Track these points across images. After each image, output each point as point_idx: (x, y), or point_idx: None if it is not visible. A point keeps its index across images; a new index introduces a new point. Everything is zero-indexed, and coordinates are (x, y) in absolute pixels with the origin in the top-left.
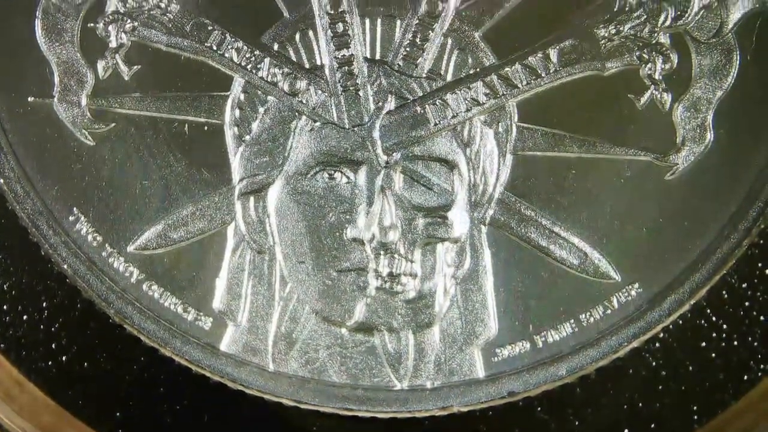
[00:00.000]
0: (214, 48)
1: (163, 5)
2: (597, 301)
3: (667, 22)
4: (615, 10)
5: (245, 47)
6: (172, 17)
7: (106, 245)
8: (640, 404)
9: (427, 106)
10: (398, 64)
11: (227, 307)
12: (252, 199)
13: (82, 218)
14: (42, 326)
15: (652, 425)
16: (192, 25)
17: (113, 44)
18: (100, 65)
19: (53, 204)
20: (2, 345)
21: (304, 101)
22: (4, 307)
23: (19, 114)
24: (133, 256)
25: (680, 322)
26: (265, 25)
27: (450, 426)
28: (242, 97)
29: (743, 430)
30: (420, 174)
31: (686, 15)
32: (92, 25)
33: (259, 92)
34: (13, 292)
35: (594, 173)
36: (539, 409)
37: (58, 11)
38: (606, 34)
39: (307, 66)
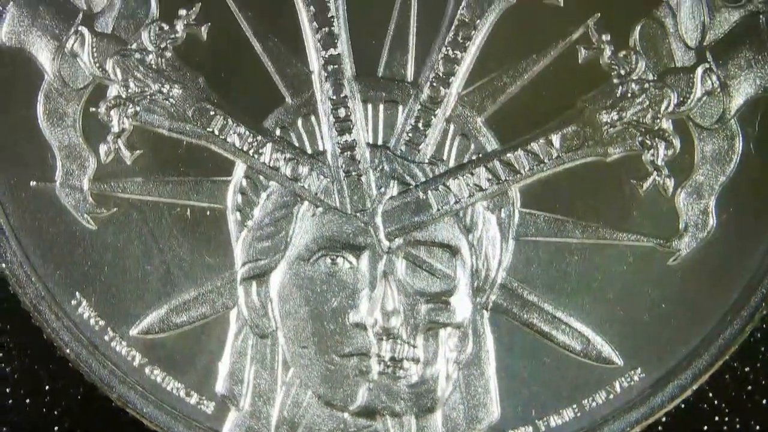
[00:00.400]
0: (216, 133)
1: (165, 90)
2: (599, 386)
3: (670, 108)
4: (618, 96)
5: (247, 132)
6: (174, 102)
7: (109, 329)
8: None
9: (429, 191)
10: (401, 149)
11: (230, 392)
12: (254, 283)
13: (84, 302)
14: (44, 410)
15: None
16: (194, 110)
17: (115, 129)
18: (102, 150)
19: (55, 288)
20: (4, 429)
21: (306, 186)
22: (6, 390)
23: (22, 198)
24: (135, 340)
25: (682, 405)
26: (267, 110)
27: None
28: (244, 182)
29: None
30: (422, 259)
31: (689, 101)
32: (94, 109)
33: (262, 177)
34: (16, 375)
35: (597, 259)
36: None
37: (59, 96)
38: (609, 120)
39: (309, 151)
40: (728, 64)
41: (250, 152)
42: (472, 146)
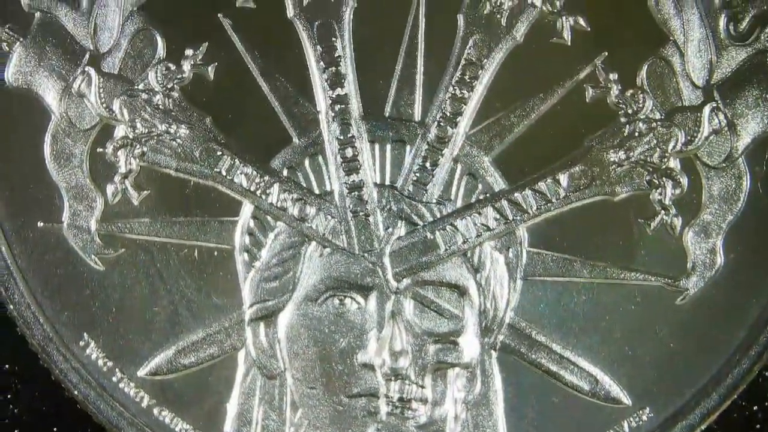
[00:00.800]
0: (224, 173)
1: (172, 130)
2: (608, 426)
3: (677, 147)
4: (625, 135)
5: (254, 172)
6: (181, 142)
7: (117, 370)
8: None
9: (437, 231)
10: (408, 189)
11: None
12: (262, 324)
13: (92, 344)
14: None
15: None
16: (201, 150)
17: (122, 169)
18: (110, 190)
19: (63, 329)
20: None
21: (313, 227)
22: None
23: (29, 239)
24: (143, 382)
25: None
26: (275, 150)
27: None
28: (252, 222)
29: None
30: (430, 300)
31: (696, 140)
32: (101, 150)
33: (269, 218)
34: (24, 417)
35: (604, 298)
36: None
37: (66, 136)
38: (616, 159)
39: (316, 191)
40: (736, 103)
41: (258, 192)
42: (480, 186)
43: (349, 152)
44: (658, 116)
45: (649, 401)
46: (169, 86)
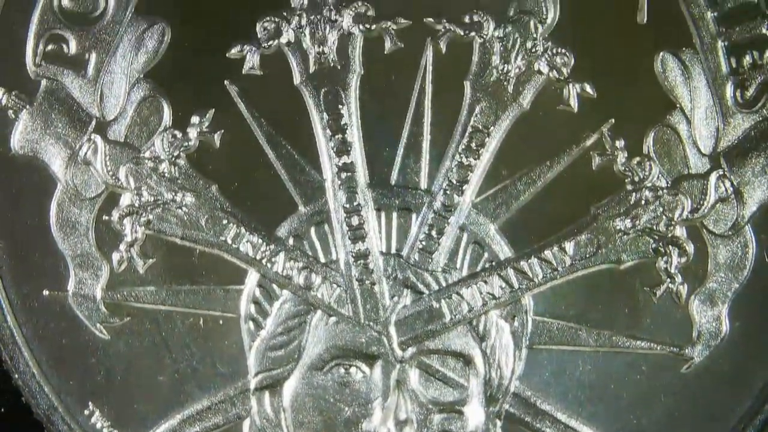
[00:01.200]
0: (229, 242)
1: (178, 199)
2: None
3: (684, 215)
4: (631, 203)
5: (260, 241)
6: (187, 210)
7: None
8: None
9: (442, 300)
10: (414, 257)
11: None
12: (267, 393)
13: (97, 412)
14: None
15: None
16: (207, 218)
17: (128, 238)
18: (115, 258)
19: (68, 398)
20: None
21: (319, 296)
22: None
23: (34, 307)
24: None
25: None
26: (280, 218)
27: None
28: (257, 291)
29: None
30: (435, 369)
31: (703, 208)
32: (107, 218)
33: (275, 286)
34: None
35: (610, 367)
36: None
37: (72, 204)
38: (622, 228)
39: (322, 260)
40: (742, 170)
41: (263, 261)
42: (486, 254)
43: (355, 221)
44: (664, 184)
45: None
46: (175, 154)
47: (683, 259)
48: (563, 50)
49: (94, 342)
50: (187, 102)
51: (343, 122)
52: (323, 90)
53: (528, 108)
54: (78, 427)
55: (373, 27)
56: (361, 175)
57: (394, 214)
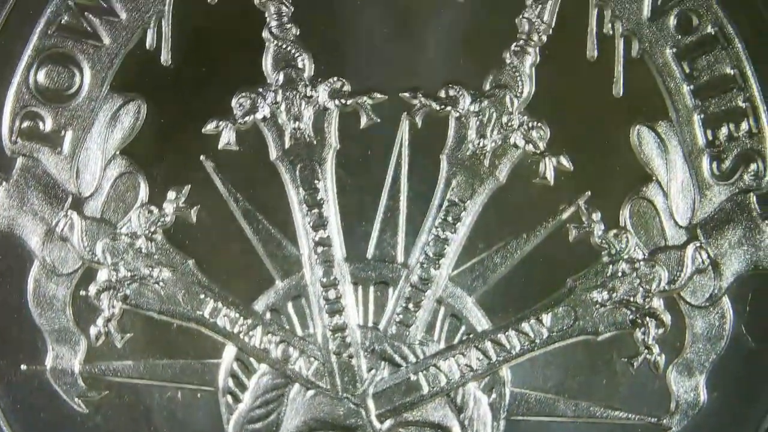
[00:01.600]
0: (207, 316)
1: (155, 274)
2: None
3: (661, 287)
4: (608, 275)
5: (237, 315)
6: (164, 285)
7: None
8: None
9: (420, 372)
10: (391, 330)
11: None
12: None
13: None
14: None
15: None
16: (184, 293)
17: (106, 313)
18: (93, 333)
19: None
20: None
21: (296, 369)
22: None
23: (12, 382)
24: None
25: None
26: (257, 292)
27: None
28: (235, 365)
29: None
30: None
31: (680, 279)
32: (84, 293)
33: (252, 360)
34: None
35: None
36: None
37: (49, 280)
38: (599, 300)
39: (299, 333)
40: (719, 242)
41: (241, 335)
42: (463, 326)
43: (332, 294)
44: (641, 256)
45: None
46: (151, 229)
47: (661, 331)
48: (539, 124)
49: (73, 416)
50: (163, 178)
51: (319, 197)
52: (299, 165)
53: (504, 181)
54: None
55: (349, 102)
56: (338, 249)
57: (371, 288)
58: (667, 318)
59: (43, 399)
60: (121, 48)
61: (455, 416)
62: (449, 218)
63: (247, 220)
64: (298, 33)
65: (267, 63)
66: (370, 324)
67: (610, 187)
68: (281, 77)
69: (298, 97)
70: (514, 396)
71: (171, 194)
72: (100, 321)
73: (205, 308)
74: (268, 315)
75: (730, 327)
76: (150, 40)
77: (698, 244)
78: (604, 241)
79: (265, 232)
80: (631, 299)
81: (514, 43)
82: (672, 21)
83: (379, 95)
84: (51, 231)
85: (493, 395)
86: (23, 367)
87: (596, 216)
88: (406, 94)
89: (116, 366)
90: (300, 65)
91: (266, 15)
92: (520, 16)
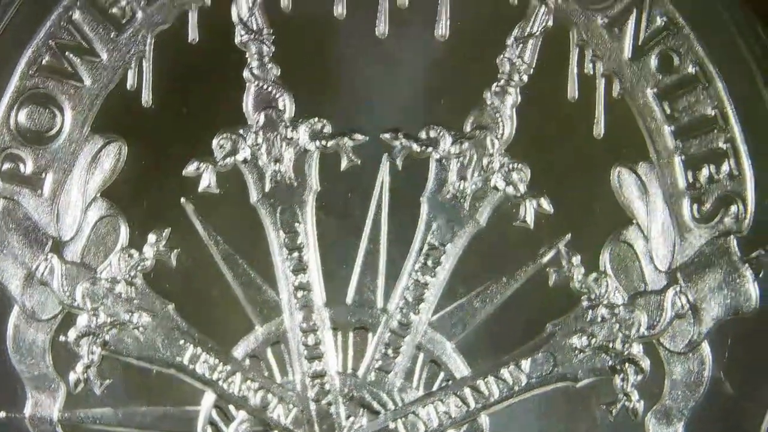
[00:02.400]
0: (186, 363)
1: (134, 319)
2: None
3: (640, 332)
4: (588, 320)
5: (217, 361)
6: (143, 330)
7: None
8: None
9: (399, 420)
10: (370, 377)
11: None
12: None
13: None
14: None
15: None
16: (163, 339)
17: (85, 359)
18: (72, 380)
19: None
20: None
21: (275, 416)
22: None
23: None
24: None
25: None
26: (237, 337)
27: None
28: (213, 412)
29: None
30: None
31: (659, 324)
32: (63, 338)
33: (231, 407)
34: None
35: None
36: None
37: (29, 326)
38: (579, 345)
39: (278, 380)
40: (699, 286)
41: (220, 382)
42: (442, 373)
43: (311, 340)
44: (620, 300)
45: None
46: (131, 274)
47: (639, 377)
48: (519, 165)
49: None
50: (143, 220)
51: (299, 241)
52: (279, 208)
53: (484, 225)
54: None
55: (330, 144)
56: (318, 294)
57: (351, 334)
58: (646, 364)
59: None
60: (102, 89)
61: None
62: (429, 262)
63: (228, 264)
64: (279, 73)
65: (248, 103)
66: (350, 370)
67: (591, 230)
68: (262, 118)
69: (278, 138)
70: None
71: (151, 237)
72: (79, 367)
73: (185, 354)
74: (247, 361)
75: (708, 373)
76: (131, 80)
77: (678, 289)
78: (584, 286)
79: (245, 277)
80: (611, 345)
81: (495, 83)
82: (653, 61)
83: (360, 136)
84: (31, 275)
85: None
86: (2, 414)
87: (576, 260)
88: (387, 135)
89: (95, 413)
90: (281, 106)
91: (247, 55)
92: (501, 56)
